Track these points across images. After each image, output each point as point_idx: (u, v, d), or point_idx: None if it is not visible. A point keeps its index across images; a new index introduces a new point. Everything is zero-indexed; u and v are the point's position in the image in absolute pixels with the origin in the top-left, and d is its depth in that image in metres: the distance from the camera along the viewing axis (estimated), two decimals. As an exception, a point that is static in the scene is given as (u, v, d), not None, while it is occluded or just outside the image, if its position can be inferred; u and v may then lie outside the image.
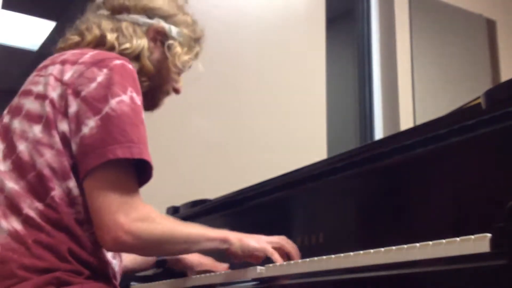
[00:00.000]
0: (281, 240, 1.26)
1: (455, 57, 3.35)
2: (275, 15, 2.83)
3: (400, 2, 3.24)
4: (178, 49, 1.36)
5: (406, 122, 3.04)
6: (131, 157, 1.09)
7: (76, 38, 1.31)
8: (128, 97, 1.13)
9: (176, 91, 1.44)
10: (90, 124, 1.10)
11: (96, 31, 1.29)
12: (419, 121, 2.97)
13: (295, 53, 2.85)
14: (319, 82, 2.89)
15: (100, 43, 1.28)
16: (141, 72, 1.30)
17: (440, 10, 3.38)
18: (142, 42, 1.31)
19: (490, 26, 3.54)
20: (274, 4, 2.84)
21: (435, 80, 3.25)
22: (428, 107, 3.14)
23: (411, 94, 3.12)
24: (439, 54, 3.31)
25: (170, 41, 1.36)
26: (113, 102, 1.11)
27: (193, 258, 1.51)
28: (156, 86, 1.37)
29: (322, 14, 3.00)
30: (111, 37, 1.28)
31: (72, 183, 1.11)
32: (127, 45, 1.29)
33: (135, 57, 1.30)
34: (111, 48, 1.27)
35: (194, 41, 1.42)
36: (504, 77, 3.43)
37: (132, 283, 1.70)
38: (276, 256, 1.22)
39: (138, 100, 1.15)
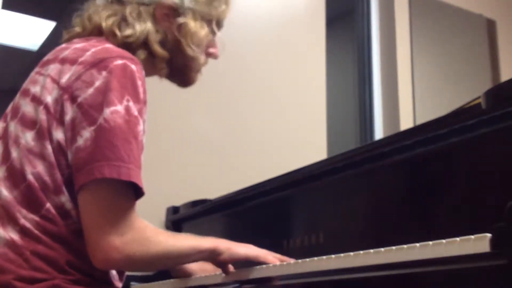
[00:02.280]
0: (267, 253, 1.23)
1: (455, 57, 3.34)
2: (275, 15, 2.83)
3: (400, 2, 3.24)
4: (191, 25, 1.25)
5: (406, 122, 3.03)
6: (117, 178, 1.03)
7: (78, 30, 1.26)
8: (123, 107, 1.06)
9: (211, 55, 1.34)
10: (85, 135, 1.05)
11: (96, 19, 1.23)
12: (419, 121, 2.97)
13: (295, 53, 2.84)
14: (319, 82, 2.89)
15: (101, 31, 1.22)
16: (156, 59, 1.23)
17: (440, 10, 3.38)
18: (146, 27, 1.22)
19: (490, 26, 3.54)
20: (274, 4, 2.84)
21: (435, 80, 3.25)
22: (428, 107, 3.13)
23: (411, 94, 3.12)
24: (439, 54, 3.31)
25: (180, 19, 1.25)
26: (107, 111, 1.05)
27: (194, 266, 1.46)
28: (181, 66, 1.29)
29: (322, 14, 2.99)
30: (106, 24, 1.21)
31: (64, 198, 1.07)
32: (129, 31, 1.20)
33: (143, 44, 1.22)
34: (113, 36, 1.20)
35: (217, 0, 1.31)
36: (504, 77, 3.43)
37: (132, 283, 1.70)
38: (270, 258, 1.21)
39: (135, 109, 1.07)
